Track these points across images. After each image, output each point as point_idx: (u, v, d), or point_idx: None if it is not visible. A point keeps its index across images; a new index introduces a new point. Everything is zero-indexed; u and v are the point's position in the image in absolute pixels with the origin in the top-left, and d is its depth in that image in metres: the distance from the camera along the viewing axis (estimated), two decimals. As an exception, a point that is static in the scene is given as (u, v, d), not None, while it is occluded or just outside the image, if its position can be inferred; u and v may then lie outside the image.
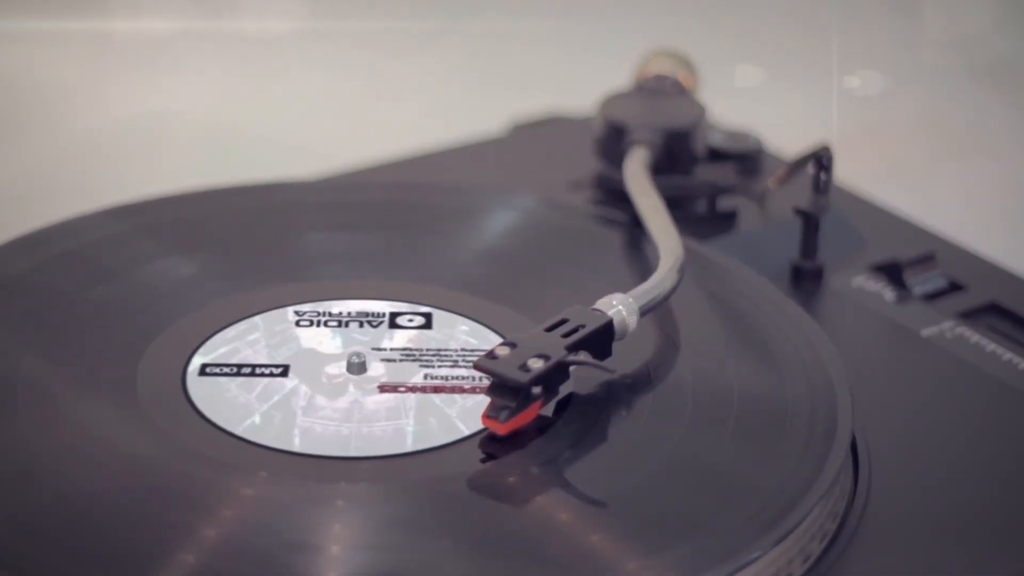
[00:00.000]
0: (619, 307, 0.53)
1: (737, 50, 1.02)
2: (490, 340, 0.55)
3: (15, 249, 0.59)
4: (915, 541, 0.50)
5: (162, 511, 0.47)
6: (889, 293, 0.63)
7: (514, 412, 0.49)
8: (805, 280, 0.64)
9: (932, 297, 0.63)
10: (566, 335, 0.51)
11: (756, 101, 0.93)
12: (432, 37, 1.03)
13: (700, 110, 0.68)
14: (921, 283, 0.63)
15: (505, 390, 0.49)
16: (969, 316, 0.61)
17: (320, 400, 0.52)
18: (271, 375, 0.53)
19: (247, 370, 0.53)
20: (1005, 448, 0.54)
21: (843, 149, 0.65)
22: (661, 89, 0.69)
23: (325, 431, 0.50)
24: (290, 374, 0.53)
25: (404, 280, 0.59)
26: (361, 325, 0.56)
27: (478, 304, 0.57)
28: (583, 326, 0.51)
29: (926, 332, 0.60)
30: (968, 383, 0.57)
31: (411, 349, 0.55)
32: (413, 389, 0.53)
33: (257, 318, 0.56)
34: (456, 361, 0.54)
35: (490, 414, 0.49)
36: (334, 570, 0.45)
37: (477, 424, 0.50)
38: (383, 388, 0.53)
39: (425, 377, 0.53)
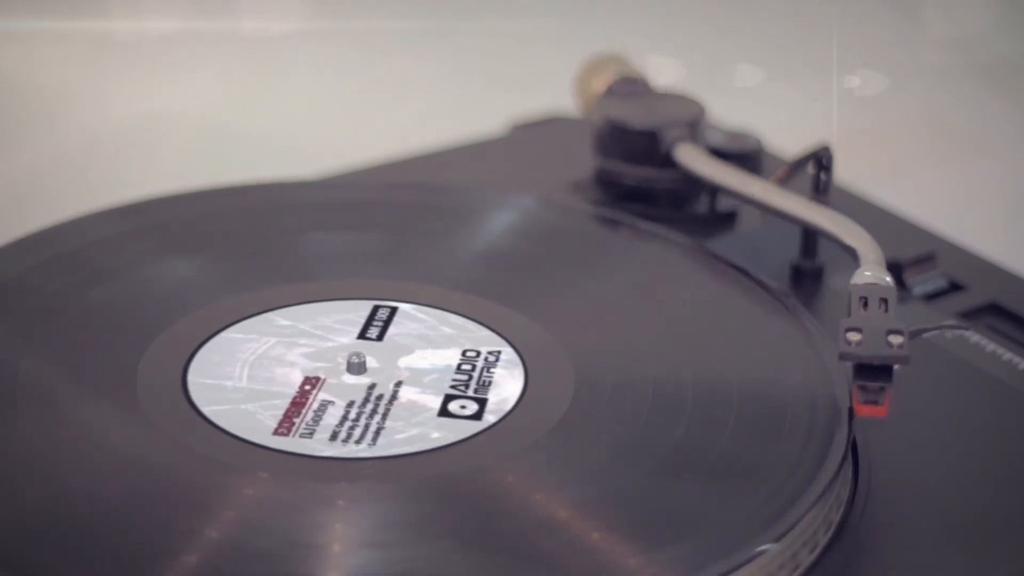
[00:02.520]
0: (883, 275, 0.54)
1: (737, 50, 1.02)
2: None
3: (16, 250, 0.59)
4: (915, 541, 0.50)
5: (162, 511, 0.47)
6: (889, 293, 0.63)
7: (886, 390, 0.50)
8: (805, 280, 0.64)
9: (932, 297, 0.63)
10: (885, 310, 0.52)
11: (756, 101, 0.93)
12: (432, 37, 1.03)
13: (700, 106, 0.68)
14: (921, 283, 0.63)
15: (873, 372, 0.50)
16: (969, 316, 0.61)
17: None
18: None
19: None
20: (1005, 448, 0.54)
21: (843, 149, 0.65)
22: (635, 91, 0.69)
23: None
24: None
25: (404, 280, 0.59)
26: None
27: (478, 304, 0.57)
28: (885, 298, 0.52)
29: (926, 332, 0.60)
30: (968, 383, 0.57)
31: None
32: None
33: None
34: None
35: (866, 400, 0.49)
36: (335, 570, 0.45)
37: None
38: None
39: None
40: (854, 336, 0.50)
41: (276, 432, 0.50)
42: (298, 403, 0.52)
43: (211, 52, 1.01)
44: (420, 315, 0.57)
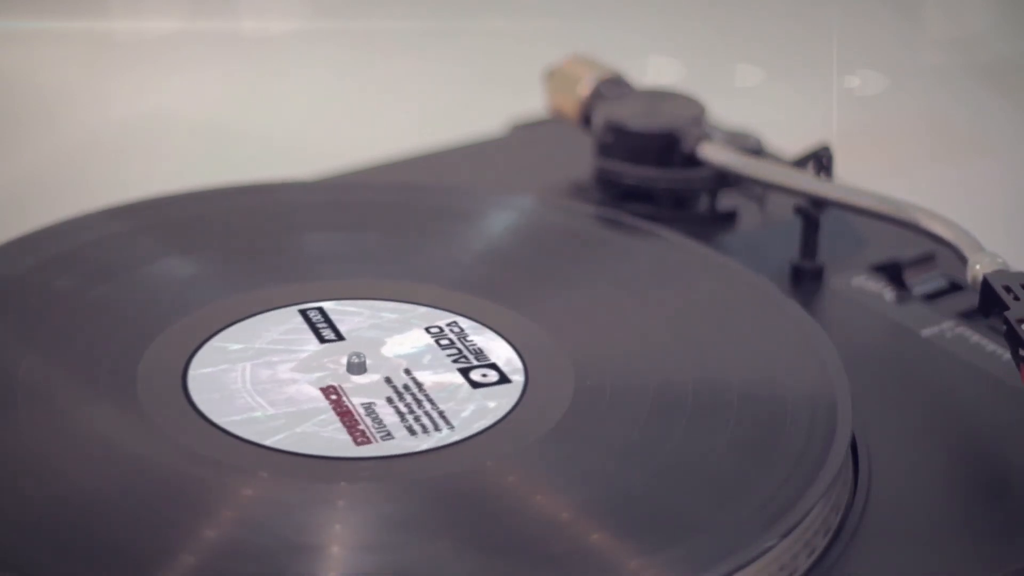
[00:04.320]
0: (999, 259, 0.54)
1: (737, 50, 1.02)
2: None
3: (15, 249, 0.59)
4: (915, 541, 0.50)
5: (162, 511, 0.47)
6: (889, 293, 0.63)
7: None
8: (805, 280, 0.64)
9: (932, 297, 0.63)
10: None
11: (756, 101, 0.93)
12: (432, 37, 1.03)
13: (699, 102, 0.69)
14: (921, 283, 0.63)
15: None
16: (969, 316, 0.61)
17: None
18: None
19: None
20: (1005, 448, 0.54)
21: (843, 149, 0.65)
22: (622, 93, 0.69)
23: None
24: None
25: (404, 280, 0.59)
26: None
27: (478, 304, 0.57)
28: None
29: (926, 332, 0.60)
30: (968, 383, 0.57)
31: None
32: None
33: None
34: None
35: None
36: (335, 570, 0.45)
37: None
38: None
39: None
40: None
41: (358, 444, 0.50)
42: (345, 411, 0.51)
43: (211, 52, 1.01)
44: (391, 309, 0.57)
